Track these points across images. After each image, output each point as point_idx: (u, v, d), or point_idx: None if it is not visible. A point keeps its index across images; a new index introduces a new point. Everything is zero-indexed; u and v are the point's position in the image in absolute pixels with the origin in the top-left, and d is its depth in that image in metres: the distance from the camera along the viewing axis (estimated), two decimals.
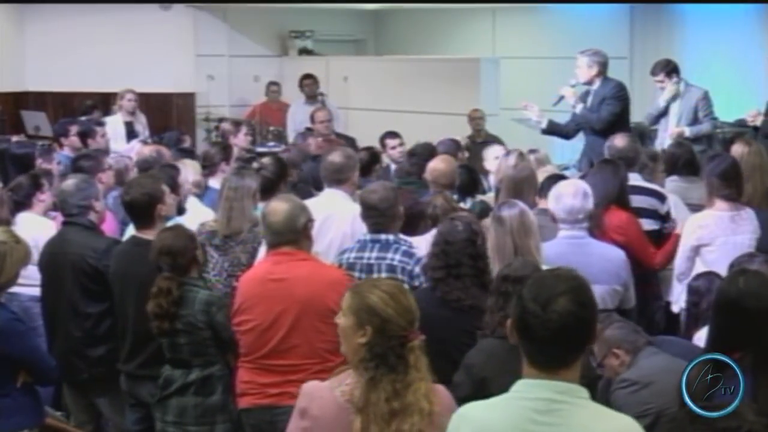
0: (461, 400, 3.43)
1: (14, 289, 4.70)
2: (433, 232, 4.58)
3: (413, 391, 2.95)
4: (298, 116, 11.23)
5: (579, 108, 7.78)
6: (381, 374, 2.96)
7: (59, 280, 5.06)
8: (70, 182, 5.29)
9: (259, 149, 9.82)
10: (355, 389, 2.99)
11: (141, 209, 4.87)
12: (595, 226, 5.25)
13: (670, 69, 8.11)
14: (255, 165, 6.20)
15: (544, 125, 7.94)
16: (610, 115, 7.59)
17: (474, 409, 2.62)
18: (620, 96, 7.73)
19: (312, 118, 9.63)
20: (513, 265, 3.87)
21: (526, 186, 5.69)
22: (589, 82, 7.81)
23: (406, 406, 2.94)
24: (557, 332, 2.42)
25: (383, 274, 4.58)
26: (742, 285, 3.27)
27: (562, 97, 7.93)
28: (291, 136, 11.00)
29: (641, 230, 5.53)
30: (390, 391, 2.95)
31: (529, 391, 2.48)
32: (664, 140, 8.00)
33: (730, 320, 3.24)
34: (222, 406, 4.45)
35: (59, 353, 4.97)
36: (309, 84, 11.43)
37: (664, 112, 8.18)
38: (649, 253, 5.51)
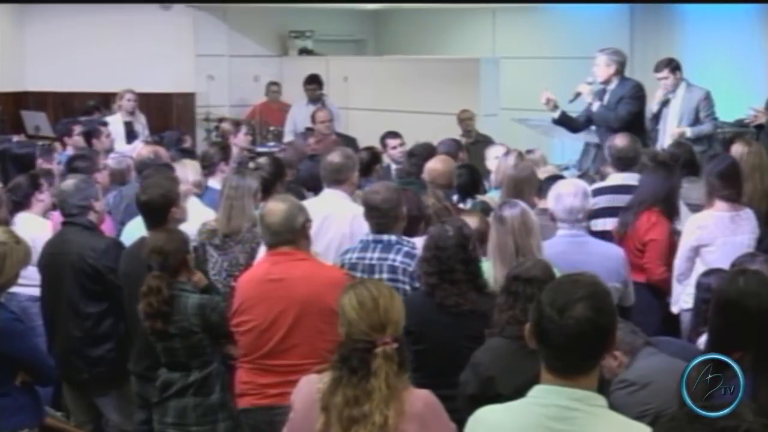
0: (468, 398, 3.45)
1: (13, 289, 4.69)
2: None
3: (371, 400, 2.93)
4: (299, 117, 11.23)
5: (596, 106, 7.76)
6: (343, 376, 2.97)
7: (59, 280, 5.06)
8: (70, 182, 5.29)
9: (259, 149, 9.82)
10: (325, 387, 3.02)
11: (156, 210, 4.86)
12: (629, 225, 5.41)
13: (673, 66, 8.11)
14: (251, 165, 6.20)
15: (556, 115, 7.95)
16: (628, 114, 7.60)
17: (489, 413, 2.61)
18: (639, 96, 7.75)
19: (313, 118, 9.63)
20: (525, 264, 3.87)
21: (526, 186, 5.69)
22: (607, 81, 7.80)
23: (363, 415, 2.92)
24: (573, 339, 2.40)
25: (384, 275, 4.58)
26: (742, 285, 3.26)
27: (578, 94, 7.91)
28: (288, 136, 11.02)
29: (667, 240, 5.53)
30: (350, 395, 2.94)
31: (544, 397, 2.46)
32: (664, 141, 7.99)
33: (730, 320, 3.23)
34: (221, 404, 4.45)
35: (59, 353, 4.97)
36: (311, 89, 11.39)
37: (658, 115, 8.16)
38: (658, 264, 5.52)
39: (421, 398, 3.01)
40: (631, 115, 7.60)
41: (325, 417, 2.97)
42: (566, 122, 8.04)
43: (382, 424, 2.92)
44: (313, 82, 11.37)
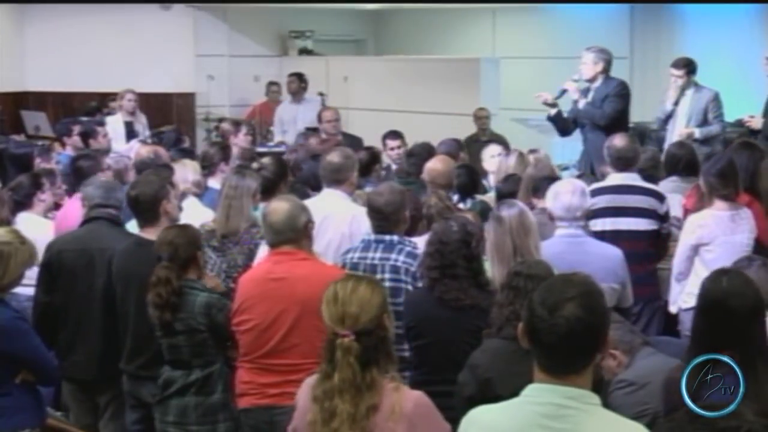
0: (466, 400, 3.45)
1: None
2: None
3: (337, 393, 2.92)
4: (286, 116, 11.29)
5: (582, 103, 7.80)
6: (322, 369, 2.98)
7: (91, 275, 4.96)
8: (106, 179, 5.26)
9: (260, 149, 9.83)
10: (314, 380, 3.03)
11: (146, 204, 4.84)
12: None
13: (691, 68, 8.11)
14: (255, 165, 6.20)
15: (553, 113, 8.02)
16: (614, 111, 7.66)
17: (483, 412, 2.61)
18: (624, 94, 7.81)
19: (319, 118, 9.64)
20: (527, 262, 3.92)
21: (544, 185, 5.67)
22: (592, 79, 7.84)
23: (335, 408, 2.92)
24: (564, 338, 2.40)
25: (387, 275, 4.59)
26: (726, 285, 3.27)
27: (564, 91, 7.95)
28: (277, 136, 11.06)
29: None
30: (327, 388, 2.95)
31: (538, 395, 2.46)
32: (672, 141, 7.98)
33: (714, 320, 3.23)
34: (223, 404, 4.45)
35: (90, 351, 4.93)
36: (289, 81, 11.50)
37: (671, 114, 8.17)
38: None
39: (411, 399, 2.98)
40: (617, 113, 7.68)
41: (314, 409, 2.98)
42: (559, 122, 8.12)
43: (350, 420, 2.90)
44: (291, 75, 11.59)
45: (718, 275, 3.39)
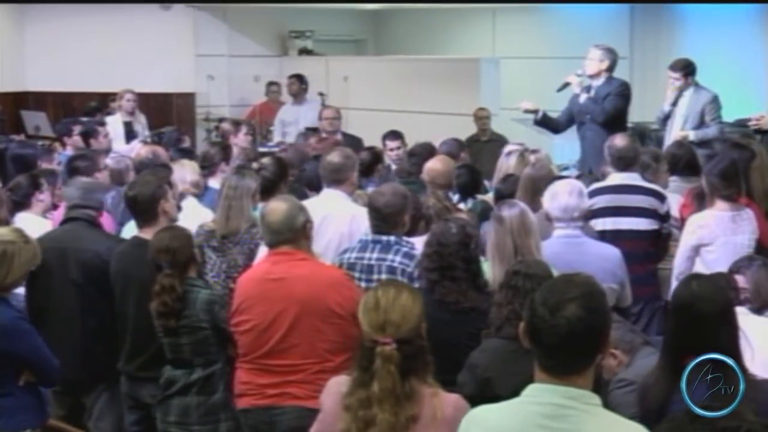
0: (466, 400, 3.44)
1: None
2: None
3: (376, 402, 2.91)
4: (288, 118, 11.30)
5: (583, 98, 7.82)
6: (358, 377, 2.97)
7: (66, 273, 4.93)
8: (87, 180, 5.22)
9: (260, 149, 9.83)
10: (346, 388, 3.01)
11: (144, 204, 4.83)
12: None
13: (689, 71, 8.09)
14: (255, 165, 6.20)
15: (538, 116, 8.07)
16: (613, 109, 7.69)
17: (483, 412, 2.61)
18: (626, 94, 7.83)
19: (320, 116, 9.65)
20: (526, 261, 3.93)
21: (543, 185, 5.68)
22: (596, 76, 7.85)
23: (373, 417, 2.91)
24: (565, 338, 2.40)
25: (383, 276, 4.57)
26: (696, 288, 3.28)
27: (567, 84, 7.98)
28: (277, 136, 11.09)
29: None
30: (363, 396, 2.94)
31: (539, 395, 2.46)
32: (669, 142, 7.96)
33: (683, 323, 3.25)
34: (224, 404, 4.45)
35: (75, 349, 4.91)
36: (290, 83, 11.53)
37: (669, 115, 8.16)
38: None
39: (451, 403, 3.00)
40: (616, 111, 7.71)
41: (346, 418, 2.97)
42: (547, 123, 8.17)
43: (389, 429, 2.90)
44: (291, 76, 11.61)
45: (689, 279, 3.43)
